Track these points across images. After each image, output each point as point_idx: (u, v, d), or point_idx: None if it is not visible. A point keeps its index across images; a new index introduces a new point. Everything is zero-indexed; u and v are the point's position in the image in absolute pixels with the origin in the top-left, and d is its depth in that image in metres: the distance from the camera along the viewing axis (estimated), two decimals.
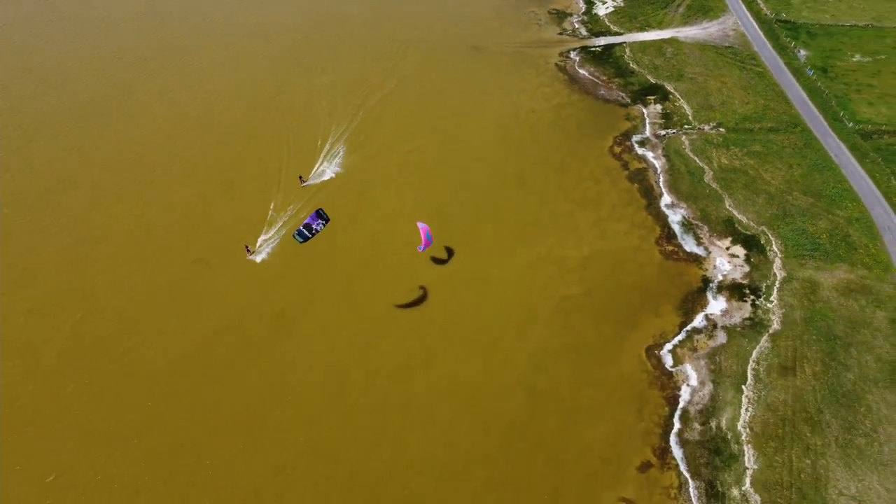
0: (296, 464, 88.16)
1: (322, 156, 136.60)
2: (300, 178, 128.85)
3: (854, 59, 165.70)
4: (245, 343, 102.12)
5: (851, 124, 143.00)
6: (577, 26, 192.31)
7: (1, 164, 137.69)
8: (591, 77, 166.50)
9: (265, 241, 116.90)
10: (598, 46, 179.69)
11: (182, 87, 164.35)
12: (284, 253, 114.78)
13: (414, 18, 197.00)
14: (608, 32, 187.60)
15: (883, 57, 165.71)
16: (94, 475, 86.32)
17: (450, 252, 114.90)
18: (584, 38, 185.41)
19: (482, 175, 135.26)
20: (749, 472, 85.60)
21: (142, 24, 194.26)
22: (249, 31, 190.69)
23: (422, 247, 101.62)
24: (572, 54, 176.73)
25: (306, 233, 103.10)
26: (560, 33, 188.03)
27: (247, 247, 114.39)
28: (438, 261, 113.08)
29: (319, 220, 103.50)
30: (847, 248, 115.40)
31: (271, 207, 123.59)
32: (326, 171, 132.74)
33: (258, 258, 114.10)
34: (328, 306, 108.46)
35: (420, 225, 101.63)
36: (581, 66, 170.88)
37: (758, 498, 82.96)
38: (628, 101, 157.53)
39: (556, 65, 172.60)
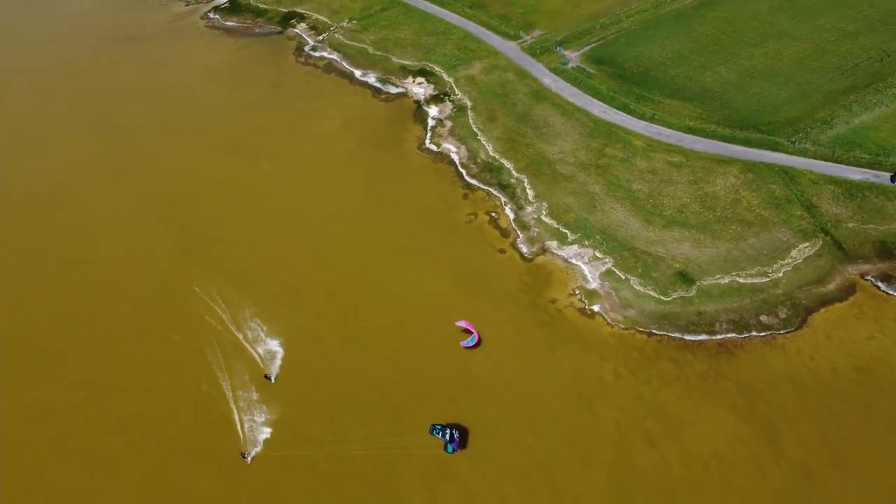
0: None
1: None
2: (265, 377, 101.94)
3: None
4: None
5: None
6: None
7: None
8: (240, 25, 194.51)
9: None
10: (225, 1, 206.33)
11: None
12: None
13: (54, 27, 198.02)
14: None
15: None
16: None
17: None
18: (207, 1, 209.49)
19: (236, 102, 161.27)
20: (511, 167, 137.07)
21: None
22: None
23: (471, 339, 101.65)
24: (211, 15, 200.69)
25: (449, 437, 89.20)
26: (187, 4, 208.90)
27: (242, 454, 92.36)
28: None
29: (451, 437, 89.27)
30: (471, 52, 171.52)
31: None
32: None
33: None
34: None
35: (460, 323, 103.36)
36: (225, 21, 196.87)
37: (524, 176, 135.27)
38: (280, 29, 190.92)
39: (207, 27, 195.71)
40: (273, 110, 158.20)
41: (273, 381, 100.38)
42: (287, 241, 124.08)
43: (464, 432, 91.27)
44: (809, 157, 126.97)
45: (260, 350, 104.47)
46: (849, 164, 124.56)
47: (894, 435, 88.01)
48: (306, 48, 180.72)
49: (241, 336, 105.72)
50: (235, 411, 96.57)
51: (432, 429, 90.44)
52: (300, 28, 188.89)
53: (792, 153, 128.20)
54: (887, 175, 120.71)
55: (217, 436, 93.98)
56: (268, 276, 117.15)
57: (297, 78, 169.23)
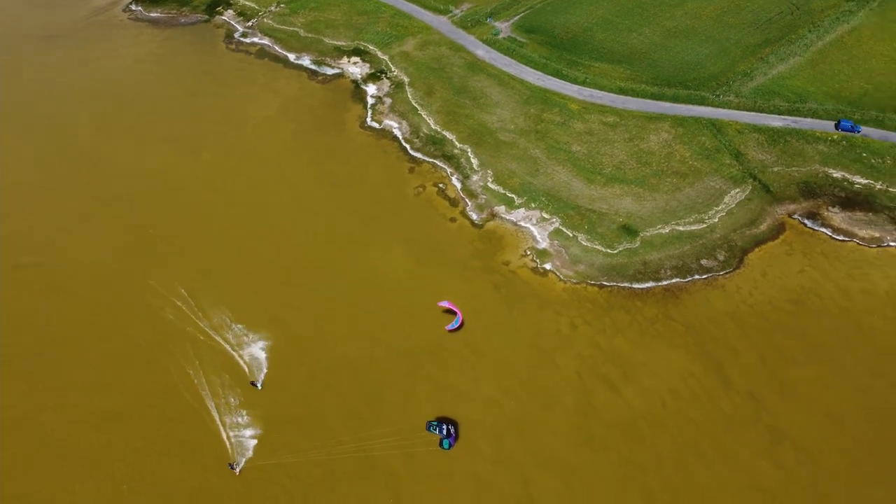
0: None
1: None
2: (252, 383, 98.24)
3: None
4: None
5: None
6: None
7: None
8: (164, 15, 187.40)
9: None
10: None
11: None
12: None
13: None
14: None
15: None
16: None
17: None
18: None
19: (170, 93, 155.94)
20: (454, 139, 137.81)
21: None
22: None
23: (455, 321, 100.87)
24: (133, 7, 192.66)
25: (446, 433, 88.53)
26: None
27: (231, 465, 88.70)
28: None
29: (448, 432, 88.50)
30: (403, 29, 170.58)
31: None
32: None
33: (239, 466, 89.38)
34: None
35: (443, 303, 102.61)
36: (149, 12, 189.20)
37: (467, 146, 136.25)
38: (207, 17, 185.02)
39: (130, 19, 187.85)
40: (208, 99, 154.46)
41: (259, 387, 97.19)
42: (240, 230, 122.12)
43: (457, 426, 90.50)
44: (733, 108, 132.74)
45: (228, 336, 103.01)
46: (770, 112, 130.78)
47: (829, 357, 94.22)
48: (236, 35, 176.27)
49: (205, 325, 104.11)
50: (210, 397, 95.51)
51: (429, 426, 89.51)
52: (227, 15, 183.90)
53: (717, 106, 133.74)
54: (806, 120, 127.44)
55: (196, 428, 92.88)
56: (225, 265, 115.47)
57: (228, 65, 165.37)
